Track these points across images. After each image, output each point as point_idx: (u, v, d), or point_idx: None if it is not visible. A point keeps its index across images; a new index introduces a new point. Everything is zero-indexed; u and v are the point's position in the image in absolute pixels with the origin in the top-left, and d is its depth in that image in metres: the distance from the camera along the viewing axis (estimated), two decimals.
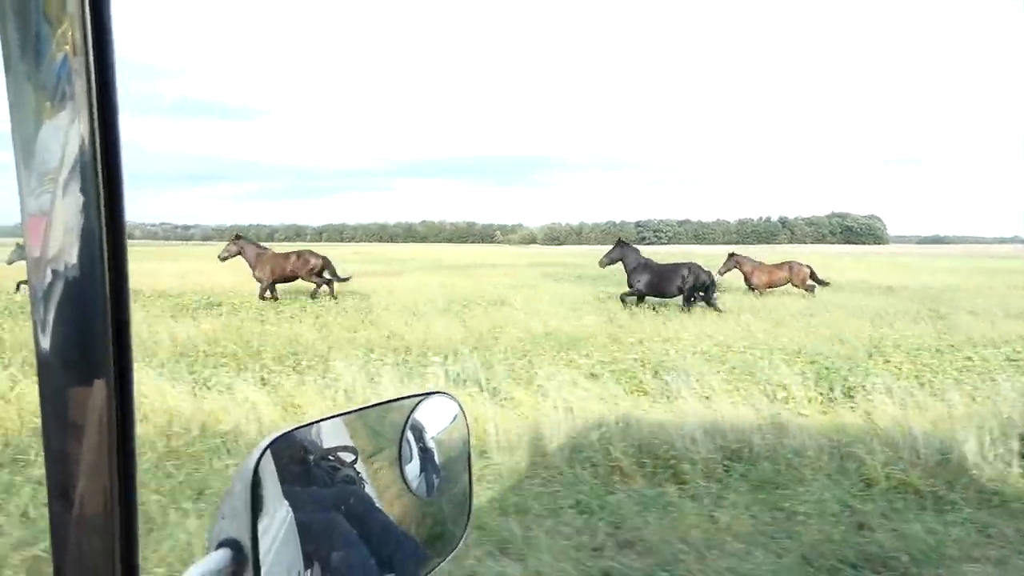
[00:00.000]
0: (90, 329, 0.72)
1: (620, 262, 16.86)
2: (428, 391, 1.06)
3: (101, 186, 0.70)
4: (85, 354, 0.73)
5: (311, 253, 18.11)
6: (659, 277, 16.19)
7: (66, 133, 0.70)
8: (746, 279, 19.37)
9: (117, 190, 0.71)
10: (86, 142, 0.70)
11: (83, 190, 0.70)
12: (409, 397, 1.03)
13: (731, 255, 20.01)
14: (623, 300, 16.11)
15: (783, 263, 19.98)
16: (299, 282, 17.79)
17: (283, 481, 0.84)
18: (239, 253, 17.78)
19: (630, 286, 16.40)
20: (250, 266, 17.58)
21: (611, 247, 17.59)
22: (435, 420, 1.04)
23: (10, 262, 17.12)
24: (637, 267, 16.44)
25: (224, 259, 18.24)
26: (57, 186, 0.71)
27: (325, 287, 17.73)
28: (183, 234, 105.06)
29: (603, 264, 17.46)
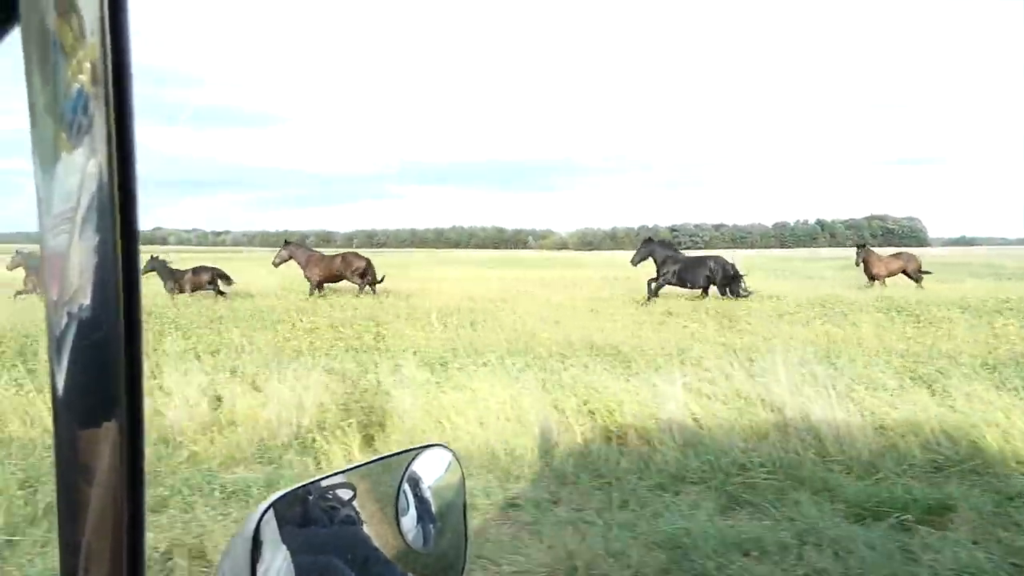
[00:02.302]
0: (104, 371, 0.72)
1: (651, 258, 17.97)
2: (425, 444, 1.10)
3: (118, 227, 0.69)
4: (99, 393, 0.73)
5: (355, 255, 19.51)
6: (686, 268, 17.53)
7: (83, 170, 0.69)
8: (866, 268, 20.81)
9: (132, 231, 0.70)
10: (104, 180, 0.68)
11: (99, 230, 0.69)
12: (406, 451, 1.07)
13: (861, 246, 21.91)
14: (649, 286, 17.43)
15: (898, 253, 22.13)
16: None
17: (284, 541, 0.88)
18: (291, 257, 19.32)
19: (659, 276, 17.67)
20: (300, 267, 19.08)
21: (639, 246, 18.97)
22: (431, 471, 1.08)
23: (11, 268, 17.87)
24: (666, 260, 17.79)
25: (278, 264, 19.65)
26: (74, 226, 0.71)
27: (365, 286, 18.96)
28: (215, 240, 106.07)
29: (635, 262, 18.59)
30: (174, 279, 17.90)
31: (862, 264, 20.98)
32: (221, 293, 17.84)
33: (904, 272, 20.87)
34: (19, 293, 16.43)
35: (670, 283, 17.50)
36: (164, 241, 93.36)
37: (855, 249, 22.24)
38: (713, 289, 17.34)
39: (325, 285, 19.00)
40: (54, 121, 0.71)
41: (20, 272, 17.36)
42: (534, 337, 10.48)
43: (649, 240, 19.12)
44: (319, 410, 6.53)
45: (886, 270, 20.87)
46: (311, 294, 18.21)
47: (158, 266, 18.01)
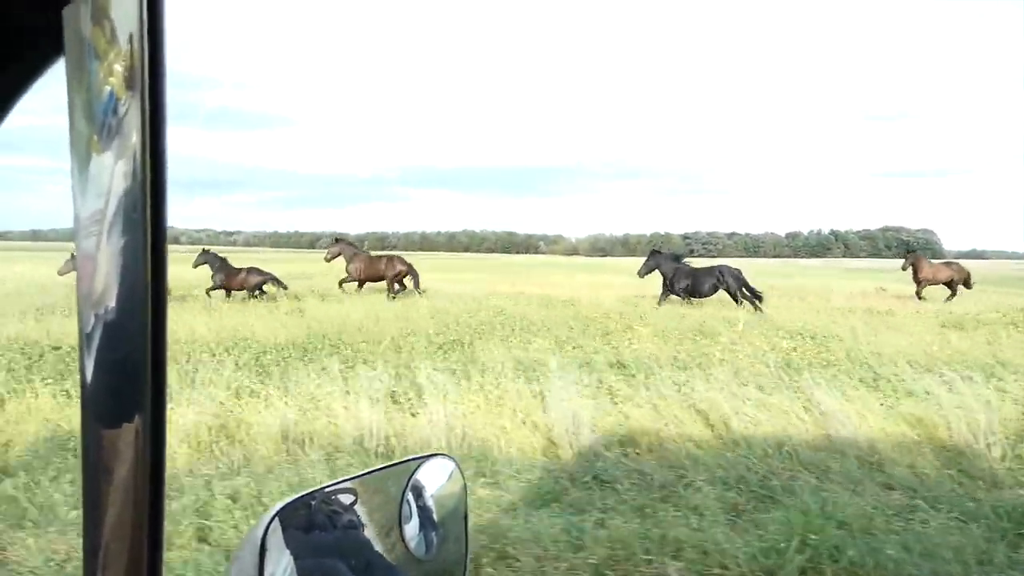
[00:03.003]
0: (129, 372, 0.73)
1: (657, 270, 18.24)
2: (428, 454, 1.13)
3: (148, 229, 0.69)
4: (123, 397, 0.74)
5: (399, 259, 20.11)
6: (693, 280, 17.57)
7: (112, 171, 0.70)
8: (915, 275, 20.70)
9: (161, 233, 0.70)
10: (135, 182, 0.69)
11: (128, 231, 0.70)
12: (410, 460, 1.09)
13: (909, 252, 22.14)
14: (660, 303, 17.35)
15: (948, 263, 22.08)
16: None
17: (289, 547, 0.91)
18: (340, 254, 20.05)
19: (669, 289, 17.71)
20: (346, 262, 19.63)
21: (646, 258, 19.02)
22: (434, 480, 1.10)
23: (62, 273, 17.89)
24: (675, 273, 17.78)
25: (329, 260, 20.33)
26: (104, 226, 0.71)
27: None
28: (226, 240, 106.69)
29: (642, 274, 18.57)
30: (225, 274, 17.59)
31: (910, 269, 20.83)
32: (263, 293, 17.65)
33: (949, 283, 20.58)
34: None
35: (678, 295, 17.48)
36: (176, 241, 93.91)
37: (904, 255, 22.34)
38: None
39: (363, 284, 19.61)
40: (88, 122, 0.72)
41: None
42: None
43: (656, 252, 19.11)
44: None
45: (934, 277, 20.68)
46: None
47: (211, 260, 17.81)
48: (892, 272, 26.59)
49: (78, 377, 0.77)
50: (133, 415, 0.72)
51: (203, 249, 18.57)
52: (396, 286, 19.45)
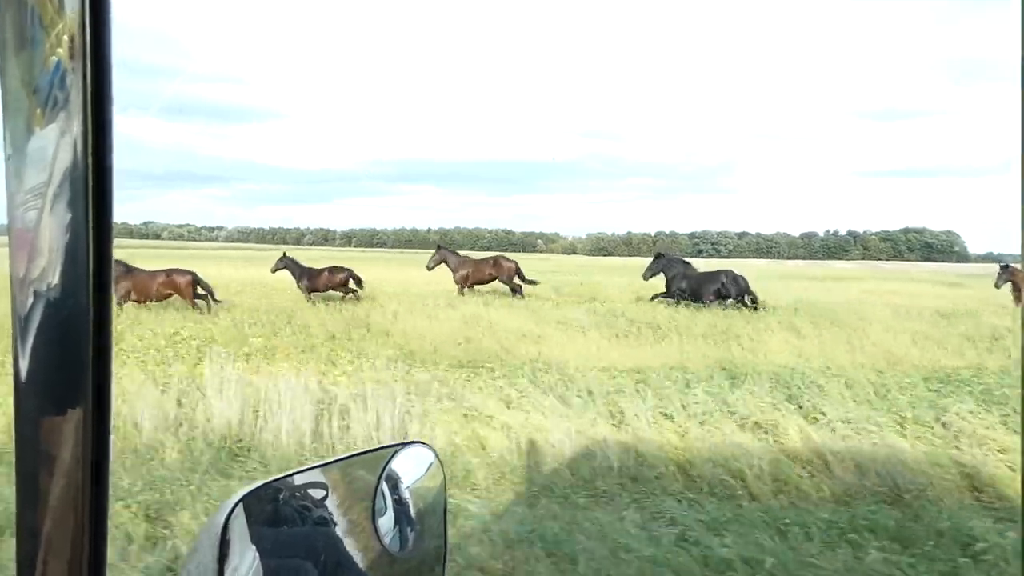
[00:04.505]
0: (71, 354, 0.69)
1: (662, 273, 17.95)
2: (405, 441, 1.07)
3: (90, 204, 0.67)
4: (64, 379, 0.70)
5: (503, 258, 19.24)
6: (697, 283, 17.45)
7: (57, 144, 0.67)
8: (1016, 290, 18.49)
9: (106, 209, 0.68)
10: (78, 155, 0.66)
11: (71, 207, 0.67)
12: (385, 447, 1.03)
13: (1005, 267, 19.35)
14: (658, 299, 17.13)
15: None
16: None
17: (253, 536, 0.84)
18: (444, 261, 19.07)
19: (669, 293, 17.61)
20: (452, 270, 18.81)
21: (651, 260, 18.78)
22: (411, 470, 1.04)
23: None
24: (676, 276, 17.55)
25: (431, 268, 19.38)
26: (45, 201, 0.68)
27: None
28: (208, 235, 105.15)
29: (647, 277, 18.36)
30: (308, 278, 16.93)
31: (1009, 286, 18.24)
32: (352, 292, 16.94)
33: None
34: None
35: (682, 298, 17.35)
36: (157, 236, 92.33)
37: (998, 268, 19.17)
38: None
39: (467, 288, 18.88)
40: (28, 94, 0.69)
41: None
42: None
43: (660, 255, 18.98)
44: None
45: None
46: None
47: (289, 264, 17.17)
48: (930, 274, 24.45)
49: (10, 365, 0.72)
50: (76, 400, 0.69)
51: (283, 253, 17.80)
52: (515, 283, 18.62)
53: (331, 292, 16.99)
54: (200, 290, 14.48)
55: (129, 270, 14.15)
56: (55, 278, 0.68)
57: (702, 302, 17.14)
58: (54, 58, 0.67)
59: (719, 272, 17.77)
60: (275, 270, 17.46)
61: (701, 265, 19.55)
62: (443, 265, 19.16)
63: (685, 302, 17.01)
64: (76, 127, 0.66)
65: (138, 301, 14.04)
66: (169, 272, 14.42)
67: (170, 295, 14.36)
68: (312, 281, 16.87)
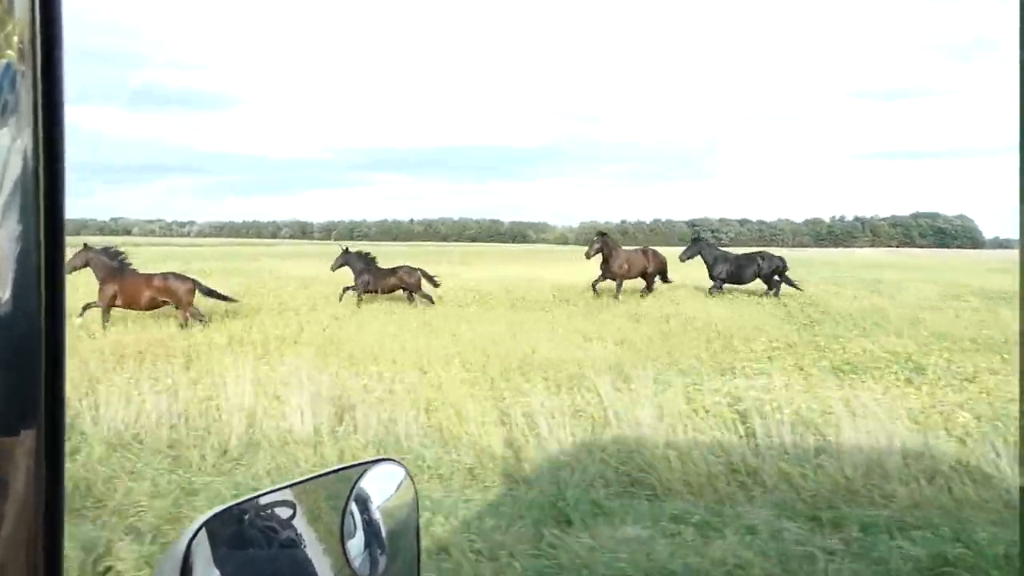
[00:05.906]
0: (21, 373, 0.66)
1: (699, 255, 18.46)
2: (375, 458, 1.05)
3: (42, 215, 0.64)
4: (15, 400, 0.67)
5: (652, 250, 18.45)
6: (736, 267, 18.10)
7: (8, 151, 0.64)
8: None
9: (58, 217, 0.65)
10: (28, 163, 0.64)
11: (21, 216, 0.64)
12: (354, 465, 1.01)
13: None
14: (711, 291, 17.68)
15: None
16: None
17: (217, 561, 0.82)
18: (601, 250, 17.80)
19: (712, 277, 18.08)
20: (605, 260, 17.61)
21: (688, 245, 19.29)
22: (382, 489, 1.02)
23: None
24: (716, 259, 18.24)
25: (591, 256, 18.11)
26: None
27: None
28: (179, 231, 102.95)
29: (683, 259, 18.82)
30: (372, 276, 15.85)
31: None
32: (427, 296, 15.80)
33: None
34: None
35: (724, 280, 18.01)
36: (127, 232, 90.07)
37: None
38: None
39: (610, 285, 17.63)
40: None
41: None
42: None
43: (697, 239, 19.55)
44: None
45: None
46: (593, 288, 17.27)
47: (351, 260, 16.10)
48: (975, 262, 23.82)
49: None
50: (28, 421, 0.65)
51: (344, 249, 16.62)
52: (661, 280, 18.01)
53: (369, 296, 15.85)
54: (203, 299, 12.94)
55: (122, 269, 12.60)
56: (4, 292, 0.66)
57: (742, 283, 18.16)
58: (3, 60, 0.65)
59: (756, 254, 18.63)
60: (335, 268, 16.57)
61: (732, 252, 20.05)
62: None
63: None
64: (27, 132, 0.64)
65: (127, 307, 12.53)
66: (166, 276, 12.73)
67: (164, 303, 12.63)
68: (378, 282, 15.89)
